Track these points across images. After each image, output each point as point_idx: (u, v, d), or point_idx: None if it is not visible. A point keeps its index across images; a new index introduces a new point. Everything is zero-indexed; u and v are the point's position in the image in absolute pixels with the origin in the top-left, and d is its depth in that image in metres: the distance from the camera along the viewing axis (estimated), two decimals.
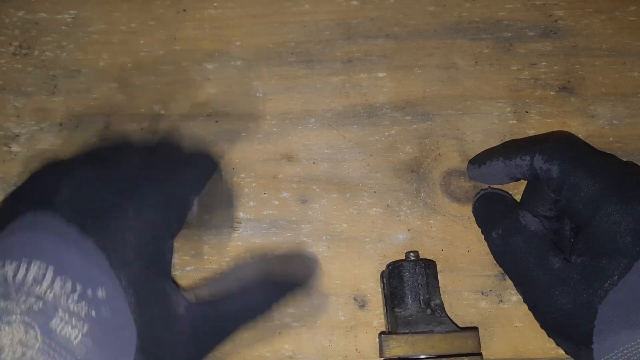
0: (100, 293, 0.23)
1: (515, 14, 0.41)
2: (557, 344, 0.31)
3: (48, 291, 0.22)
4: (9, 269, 0.23)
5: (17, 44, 0.41)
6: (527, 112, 0.38)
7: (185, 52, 0.40)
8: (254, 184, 0.37)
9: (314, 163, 0.38)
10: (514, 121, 0.38)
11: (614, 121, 0.38)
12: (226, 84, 0.40)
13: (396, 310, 0.32)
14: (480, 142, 0.38)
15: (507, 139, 0.38)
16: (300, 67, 0.40)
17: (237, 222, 0.37)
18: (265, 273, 0.31)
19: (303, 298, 0.35)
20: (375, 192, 0.37)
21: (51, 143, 0.39)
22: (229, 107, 0.39)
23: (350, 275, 0.36)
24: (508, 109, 0.38)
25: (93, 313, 0.23)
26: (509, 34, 0.40)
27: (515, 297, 0.35)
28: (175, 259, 0.35)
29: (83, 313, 0.23)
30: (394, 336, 0.31)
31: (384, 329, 0.34)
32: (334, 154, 0.38)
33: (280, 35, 0.41)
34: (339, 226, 0.37)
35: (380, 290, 0.35)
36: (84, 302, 0.23)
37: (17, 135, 0.39)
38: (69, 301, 0.23)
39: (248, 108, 0.39)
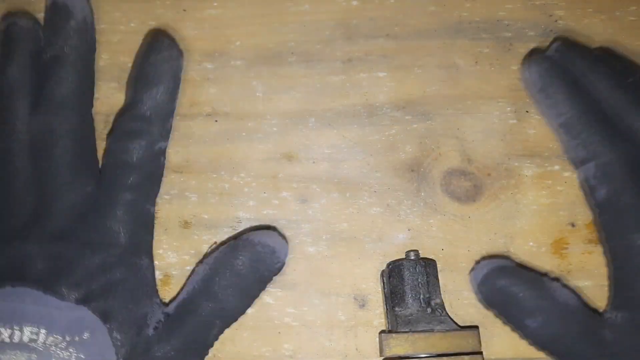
0: (86, 335, 0.27)
1: (515, 14, 0.41)
2: None
3: (43, 345, 0.26)
4: (5, 334, 0.26)
5: None
6: (527, 111, 0.38)
7: (185, 51, 0.40)
8: (253, 184, 0.37)
9: (314, 163, 0.38)
10: (514, 121, 0.38)
11: None
12: (226, 83, 0.40)
13: (396, 309, 0.32)
14: (480, 141, 0.38)
15: (508, 138, 0.38)
16: (300, 67, 0.40)
17: (237, 222, 0.37)
18: (229, 268, 0.30)
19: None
20: (375, 191, 0.37)
21: None
22: (229, 107, 0.39)
23: (350, 275, 0.36)
24: (508, 108, 0.38)
25: (82, 355, 0.26)
26: (509, 34, 0.40)
27: None
28: (175, 259, 0.35)
29: (73, 357, 0.26)
30: (394, 335, 0.31)
31: (384, 328, 0.34)
32: (334, 154, 0.38)
33: (280, 35, 0.41)
34: (339, 226, 0.37)
35: (380, 289, 0.35)
36: (72, 348, 0.26)
37: None
38: (58, 349, 0.26)
39: (248, 108, 0.39)
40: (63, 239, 0.29)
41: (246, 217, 0.37)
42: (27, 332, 0.26)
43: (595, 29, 0.40)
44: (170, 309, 0.29)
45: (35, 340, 0.26)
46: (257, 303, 0.33)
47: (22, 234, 0.29)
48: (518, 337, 0.34)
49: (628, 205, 0.28)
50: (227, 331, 0.32)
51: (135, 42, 0.41)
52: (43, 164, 0.29)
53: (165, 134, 0.32)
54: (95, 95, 0.39)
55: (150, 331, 0.28)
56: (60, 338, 0.26)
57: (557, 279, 0.32)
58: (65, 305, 0.27)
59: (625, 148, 0.29)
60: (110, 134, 0.30)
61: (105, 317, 0.27)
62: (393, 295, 0.33)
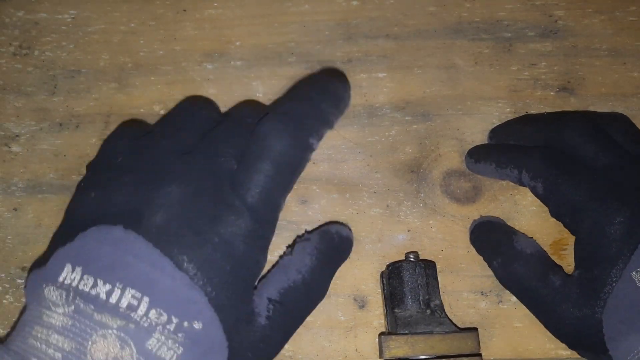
0: (197, 325, 0.23)
1: (515, 14, 0.41)
2: (580, 355, 0.31)
3: (144, 319, 0.22)
4: (102, 290, 0.23)
5: (17, 44, 0.41)
6: (527, 112, 0.38)
7: (185, 52, 0.40)
8: None
9: (313, 163, 0.38)
10: None
11: None
12: (226, 84, 0.40)
13: (396, 310, 0.32)
14: (480, 142, 0.38)
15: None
16: (300, 67, 0.40)
17: None
18: (327, 256, 0.30)
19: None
20: (375, 192, 0.37)
21: (51, 143, 0.39)
22: (229, 107, 0.39)
23: (350, 276, 0.36)
24: (508, 109, 0.38)
25: (189, 341, 0.23)
26: (509, 34, 0.40)
27: (514, 297, 0.35)
28: None
29: (179, 340, 0.23)
30: (393, 337, 0.31)
31: (383, 329, 0.35)
32: (334, 154, 0.38)
33: (280, 35, 0.41)
34: None
35: (380, 290, 0.35)
36: (180, 333, 0.23)
37: (17, 136, 0.39)
38: (165, 330, 0.23)
39: None
40: (192, 204, 0.25)
41: None
42: (128, 296, 0.22)
43: (595, 29, 0.40)
44: (273, 294, 0.27)
45: (134, 309, 0.22)
46: None
47: (153, 178, 0.26)
48: (516, 338, 0.34)
49: (560, 185, 0.32)
50: None
51: (135, 42, 0.41)
52: (210, 136, 0.28)
53: (318, 136, 0.28)
54: (95, 96, 0.40)
55: (263, 320, 0.26)
56: (165, 316, 0.22)
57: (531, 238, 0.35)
58: (181, 278, 0.23)
59: (537, 152, 0.34)
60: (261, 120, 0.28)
61: (220, 311, 0.24)
62: (392, 296, 0.33)
